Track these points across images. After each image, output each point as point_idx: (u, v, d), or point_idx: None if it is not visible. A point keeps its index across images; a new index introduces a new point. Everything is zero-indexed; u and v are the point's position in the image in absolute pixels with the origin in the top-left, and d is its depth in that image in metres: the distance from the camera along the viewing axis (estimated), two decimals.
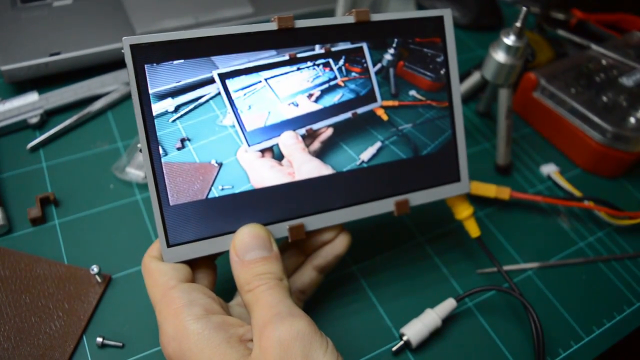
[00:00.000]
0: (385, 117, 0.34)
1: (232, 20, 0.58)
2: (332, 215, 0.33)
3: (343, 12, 0.56)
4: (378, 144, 0.34)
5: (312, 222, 0.32)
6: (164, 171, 0.30)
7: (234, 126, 0.31)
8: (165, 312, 0.28)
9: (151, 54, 0.29)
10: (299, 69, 0.33)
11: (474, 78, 0.54)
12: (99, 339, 0.34)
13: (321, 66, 0.33)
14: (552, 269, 0.43)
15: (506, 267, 0.42)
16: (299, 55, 0.33)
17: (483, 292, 0.40)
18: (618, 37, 0.61)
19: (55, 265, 0.38)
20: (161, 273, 0.29)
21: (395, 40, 0.35)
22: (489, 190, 0.45)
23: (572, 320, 0.40)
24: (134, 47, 0.29)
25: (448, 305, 0.37)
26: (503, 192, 0.45)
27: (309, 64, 0.33)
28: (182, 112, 0.30)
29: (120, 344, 0.35)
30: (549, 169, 0.50)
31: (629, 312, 0.41)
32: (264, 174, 0.31)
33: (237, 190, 0.31)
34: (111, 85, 0.51)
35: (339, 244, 0.34)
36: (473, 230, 0.38)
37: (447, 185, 0.36)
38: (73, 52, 0.51)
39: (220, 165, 0.31)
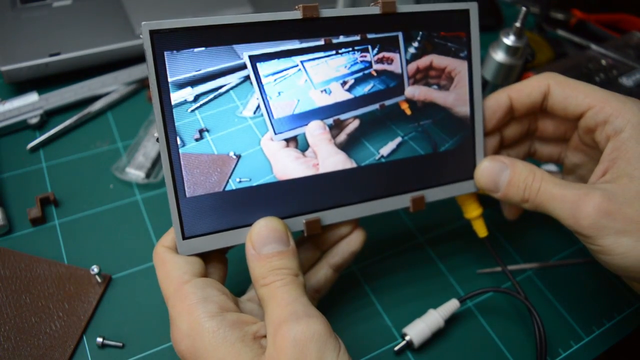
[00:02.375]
0: (408, 112, 0.34)
1: None
2: (348, 210, 0.33)
3: None
4: (398, 140, 0.34)
5: (329, 217, 0.32)
6: (182, 162, 0.29)
7: (254, 117, 0.30)
8: (179, 307, 0.27)
9: (171, 41, 0.28)
10: (338, 52, 0.32)
11: None
12: (99, 339, 0.34)
13: (360, 52, 0.33)
14: (552, 269, 0.43)
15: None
16: (334, 41, 0.32)
17: (484, 292, 0.40)
18: (618, 37, 0.61)
19: (55, 266, 0.38)
20: (175, 266, 0.29)
21: (420, 33, 0.34)
22: None
23: (572, 320, 0.40)
24: (153, 33, 0.28)
25: (451, 306, 0.37)
26: None
27: (349, 48, 0.32)
28: (201, 102, 0.29)
29: (120, 344, 0.35)
30: (549, 169, 0.50)
31: (629, 312, 0.41)
32: (288, 165, 0.31)
33: (254, 183, 0.30)
34: (111, 85, 0.51)
35: (355, 240, 0.34)
36: (481, 230, 0.38)
37: (464, 182, 0.36)
38: (73, 52, 0.51)
39: (239, 157, 0.30)
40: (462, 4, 0.35)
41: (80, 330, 0.35)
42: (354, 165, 0.33)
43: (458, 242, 0.44)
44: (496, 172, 0.34)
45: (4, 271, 0.37)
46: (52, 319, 0.35)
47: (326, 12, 0.31)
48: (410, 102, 0.34)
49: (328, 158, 0.32)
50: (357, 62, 0.33)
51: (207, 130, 0.30)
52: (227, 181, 0.30)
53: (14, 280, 0.37)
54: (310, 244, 0.34)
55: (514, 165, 0.33)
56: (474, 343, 0.38)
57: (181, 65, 0.29)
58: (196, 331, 0.26)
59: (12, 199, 0.42)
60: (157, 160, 0.46)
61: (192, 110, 0.29)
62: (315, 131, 0.32)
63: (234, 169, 0.30)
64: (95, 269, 0.36)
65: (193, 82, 0.29)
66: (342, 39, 0.32)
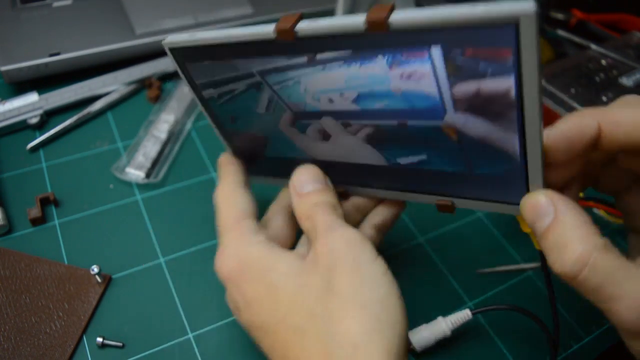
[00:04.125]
0: (454, 136, 0.27)
1: (231, 20, 0.59)
2: (375, 191, 0.34)
3: (342, 13, 0.56)
4: (422, 157, 0.30)
5: (356, 192, 0.34)
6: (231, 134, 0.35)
7: (267, 113, 0.33)
8: (232, 234, 0.31)
9: (185, 54, 0.31)
10: (325, 68, 0.27)
11: None
12: (99, 339, 0.34)
13: (360, 64, 0.26)
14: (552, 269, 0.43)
15: (506, 267, 0.42)
16: (319, 57, 0.27)
17: (502, 309, 0.37)
18: (618, 37, 0.61)
19: (55, 265, 0.38)
20: (241, 201, 0.33)
21: (440, 48, 0.23)
22: None
23: (572, 320, 0.40)
24: (172, 49, 0.31)
25: (461, 316, 0.36)
26: None
27: (341, 61, 0.27)
28: (223, 100, 0.33)
29: (120, 344, 0.35)
30: None
31: None
32: (309, 146, 0.33)
33: (286, 156, 0.34)
34: (111, 85, 0.51)
35: (395, 203, 0.35)
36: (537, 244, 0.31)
37: (507, 205, 0.30)
38: (73, 52, 0.51)
39: (266, 138, 0.34)
40: (507, 4, 0.20)
41: (80, 330, 0.35)
42: (381, 160, 0.31)
43: (458, 241, 0.44)
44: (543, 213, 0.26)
45: (4, 271, 0.37)
46: (52, 319, 0.35)
47: (304, 31, 0.26)
48: (451, 127, 0.27)
49: (348, 146, 0.32)
50: (359, 77, 0.27)
51: (236, 118, 0.34)
52: (264, 152, 0.35)
53: (14, 280, 0.37)
54: (351, 207, 0.35)
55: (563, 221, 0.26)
56: (477, 350, 0.37)
57: (200, 72, 0.32)
58: (242, 249, 0.30)
59: (12, 199, 0.42)
60: (157, 160, 0.46)
61: (220, 104, 0.33)
62: (329, 123, 0.30)
63: (265, 146, 0.35)
64: (95, 269, 0.36)
65: (213, 85, 0.32)
66: (327, 54, 0.26)
